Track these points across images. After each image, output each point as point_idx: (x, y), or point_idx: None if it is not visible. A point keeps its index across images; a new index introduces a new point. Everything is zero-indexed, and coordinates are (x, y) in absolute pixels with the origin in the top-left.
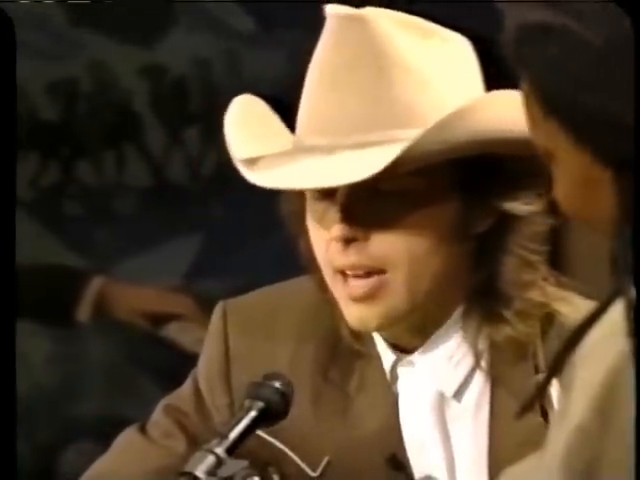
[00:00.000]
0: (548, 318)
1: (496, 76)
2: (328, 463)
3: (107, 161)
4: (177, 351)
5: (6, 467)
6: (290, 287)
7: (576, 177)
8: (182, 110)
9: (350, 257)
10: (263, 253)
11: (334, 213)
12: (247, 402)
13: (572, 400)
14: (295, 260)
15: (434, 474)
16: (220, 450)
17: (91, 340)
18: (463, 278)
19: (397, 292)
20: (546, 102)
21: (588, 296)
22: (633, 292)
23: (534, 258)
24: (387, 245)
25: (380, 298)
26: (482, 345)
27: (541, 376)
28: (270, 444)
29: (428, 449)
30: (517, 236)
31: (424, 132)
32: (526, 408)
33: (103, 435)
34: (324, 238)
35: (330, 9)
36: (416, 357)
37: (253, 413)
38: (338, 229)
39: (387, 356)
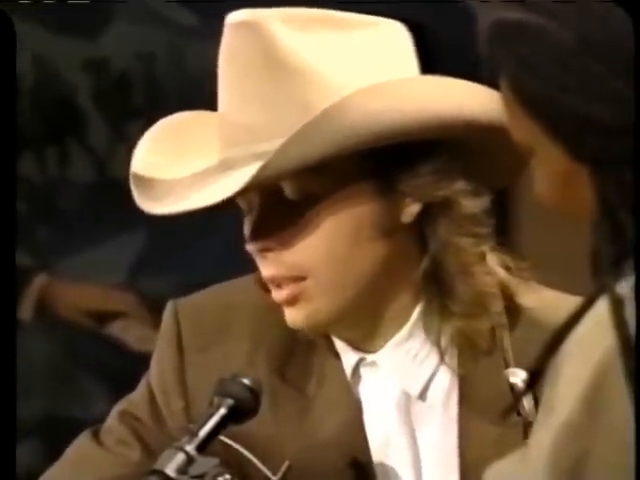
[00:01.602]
0: (513, 311)
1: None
2: (289, 467)
3: (50, 157)
4: (121, 350)
5: (6, 467)
6: (242, 285)
7: (555, 172)
8: (125, 104)
9: (269, 269)
10: (207, 250)
11: (248, 227)
12: (216, 399)
13: (558, 396)
14: (239, 258)
15: (399, 475)
16: (190, 448)
17: (33, 338)
18: (409, 272)
19: (318, 296)
20: (521, 100)
21: (550, 284)
22: (619, 287)
23: (466, 242)
24: (304, 253)
25: (302, 302)
26: (445, 342)
27: (511, 371)
28: (232, 447)
29: (393, 450)
30: (446, 221)
31: (283, 144)
32: (509, 410)
33: (46, 435)
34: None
35: (228, 17)
36: (379, 357)
37: (223, 410)
38: (250, 242)
39: (348, 357)
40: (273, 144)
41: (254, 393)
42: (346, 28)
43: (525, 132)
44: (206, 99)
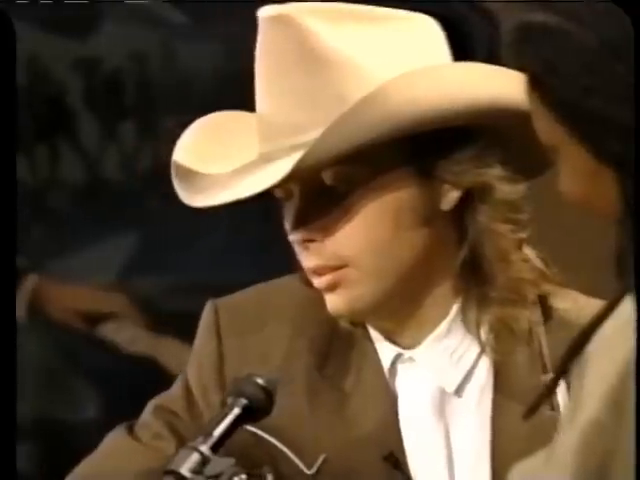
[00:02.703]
0: (547, 309)
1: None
2: (324, 461)
3: (41, 157)
4: (113, 351)
5: (6, 467)
6: (281, 284)
7: (579, 171)
8: (117, 104)
9: (311, 260)
10: (199, 251)
11: (291, 217)
12: (230, 399)
13: (585, 395)
14: (232, 257)
15: (432, 471)
16: (205, 448)
17: (25, 339)
18: (448, 260)
19: (359, 283)
20: (545, 101)
21: (580, 289)
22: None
23: (505, 228)
24: (345, 241)
25: (343, 287)
26: (484, 333)
27: (549, 375)
28: (266, 442)
29: (427, 446)
30: (486, 208)
31: (323, 133)
32: (534, 408)
33: (38, 436)
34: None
35: (260, 11)
36: (417, 353)
37: (236, 410)
38: (293, 232)
39: (386, 352)
40: (311, 136)
41: (268, 393)
42: (378, 22)
43: (549, 132)
44: (198, 99)
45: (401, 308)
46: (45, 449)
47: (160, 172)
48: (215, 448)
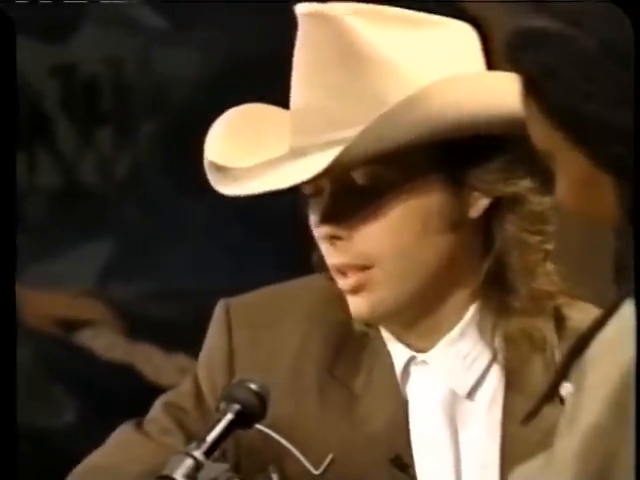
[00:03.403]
0: (560, 319)
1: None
2: (331, 461)
3: (18, 162)
4: (90, 358)
5: (6, 467)
6: (294, 285)
7: (576, 177)
8: (94, 109)
9: (337, 257)
10: (176, 257)
11: (319, 212)
12: (223, 404)
13: (584, 399)
14: (209, 263)
15: (440, 474)
16: (198, 453)
17: None
18: (472, 268)
19: (384, 285)
20: (543, 106)
21: (592, 301)
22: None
23: (534, 239)
24: (372, 241)
25: (368, 290)
26: (498, 342)
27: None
28: (273, 441)
29: (435, 449)
30: (514, 218)
31: (362, 131)
32: (533, 413)
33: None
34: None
35: (299, 8)
36: (430, 356)
37: (229, 416)
38: (321, 228)
39: (400, 354)
40: (346, 133)
41: (261, 398)
42: (417, 25)
43: (546, 138)
44: (175, 104)
45: (421, 313)
46: (24, 456)
47: (137, 178)
48: (208, 453)
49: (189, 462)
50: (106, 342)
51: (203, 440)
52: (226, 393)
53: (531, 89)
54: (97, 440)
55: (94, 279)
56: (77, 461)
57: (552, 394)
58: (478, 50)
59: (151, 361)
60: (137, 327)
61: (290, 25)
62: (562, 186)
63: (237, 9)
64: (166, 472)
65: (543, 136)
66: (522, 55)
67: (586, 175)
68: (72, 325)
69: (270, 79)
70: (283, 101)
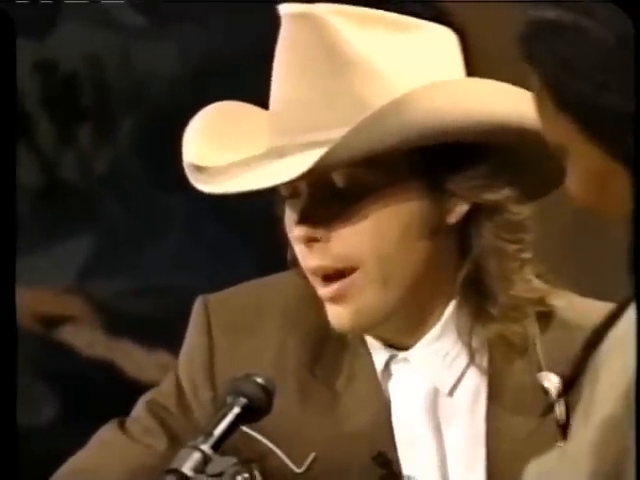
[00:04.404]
0: (545, 315)
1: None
2: (314, 460)
3: None
4: (70, 354)
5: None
6: (273, 282)
7: (590, 171)
8: (74, 106)
9: (314, 259)
10: (156, 253)
11: (296, 214)
12: (229, 398)
13: (599, 395)
14: (188, 259)
15: (425, 471)
16: (206, 447)
17: None
18: (448, 273)
19: (367, 291)
20: (558, 99)
21: (578, 292)
22: None
23: (512, 248)
24: (350, 243)
25: (351, 298)
26: (476, 343)
27: (544, 374)
28: (255, 440)
29: (419, 446)
30: (492, 226)
31: (348, 133)
32: (551, 407)
33: None
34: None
35: (282, 8)
36: (411, 354)
37: (236, 409)
38: (297, 230)
39: (380, 353)
40: (326, 134)
41: (267, 392)
42: (399, 29)
43: (559, 132)
44: (155, 101)
45: (401, 320)
46: (3, 452)
47: (117, 174)
48: (216, 447)
49: (197, 456)
50: (86, 338)
51: (210, 434)
52: (232, 387)
53: (545, 82)
54: (77, 437)
55: (74, 275)
56: (57, 458)
57: (571, 386)
58: (458, 54)
59: (132, 357)
60: (117, 323)
61: (269, 23)
62: (574, 180)
63: (216, 6)
64: (174, 466)
65: (556, 130)
66: (536, 47)
67: (601, 168)
68: (52, 321)
69: (249, 76)
70: (262, 98)
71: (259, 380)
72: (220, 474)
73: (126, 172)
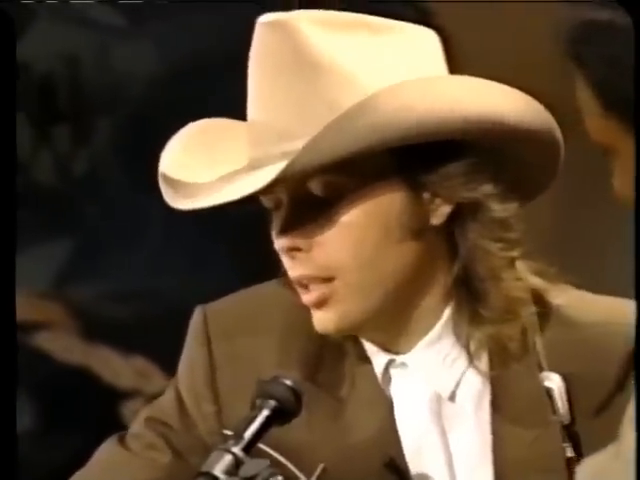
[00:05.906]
0: (545, 313)
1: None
2: (323, 470)
3: None
4: (47, 360)
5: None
6: (269, 290)
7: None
8: (50, 107)
9: (297, 269)
10: (134, 258)
11: (277, 225)
12: (259, 401)
13: None
14: (166, 264)
15: (433, 475)
16: (237, 449)
17: None
18: (440, 275)
19: (348, 297)
20: (605, 99)
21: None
22: None
23: (496, 247)
24: (332, 252)
25: (331, 304)
26: (474, 346)
27: (545, 374)
28: (263, 452)
29: (426, 451)
30: (476, 225)
31: (309, 141)
32: (604, 407)
33: None
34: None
35: (260, 18)
36: (409, 358)
37: (266, 412)
38: (280, 241)
39: (378, 358)
40: (301, 143)
41: (296, 394)
42: (376, 31)
43: (607, 132)
44: (132, 102)
45: (390, 321)
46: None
47: (95, 177)
48: (247, 449)
49: (228, 458)
50: (63, 344)
51: (241, 437)
52: (261, 389)
53: (592, 82)
54: (54, 443)
55: (51, 280)
56: (34, 465)
57: (622, 386)
58: (440, 55)
59: (109, 364)
60: (94, 329)
61: (246, 23)
62: (622, 180)
63: (193, 6)
64: (205, 468)
65: (602, 129)
66: (585, 48)
67: None
68: (29, 327)
69: (226, 77)
70: (241, 100)
71: (288, 382)
72: (253, 477)
73: (104, 175)
